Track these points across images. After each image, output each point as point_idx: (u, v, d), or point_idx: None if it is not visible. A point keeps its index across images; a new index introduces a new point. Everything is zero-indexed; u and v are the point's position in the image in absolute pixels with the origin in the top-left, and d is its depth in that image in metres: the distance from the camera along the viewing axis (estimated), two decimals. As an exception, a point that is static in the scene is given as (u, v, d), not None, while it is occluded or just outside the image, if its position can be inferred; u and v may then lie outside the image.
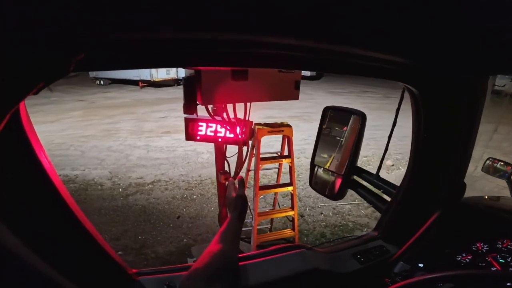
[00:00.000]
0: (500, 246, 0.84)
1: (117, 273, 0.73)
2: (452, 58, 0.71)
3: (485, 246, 0.86)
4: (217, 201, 2.84)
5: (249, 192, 2.35)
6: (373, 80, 13.98)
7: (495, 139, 5.24)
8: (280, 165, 2.97)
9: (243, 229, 0.84)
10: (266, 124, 2.53)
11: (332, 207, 3.81)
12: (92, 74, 13.97)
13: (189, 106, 1.58)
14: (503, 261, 0.80)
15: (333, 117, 1.12)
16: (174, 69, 12.98)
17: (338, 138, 1.08)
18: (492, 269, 0.78)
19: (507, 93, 9.64)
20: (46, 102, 9.78)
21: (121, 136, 6.70)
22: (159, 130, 7.08)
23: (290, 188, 2.73)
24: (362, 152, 1.05)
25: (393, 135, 1.03)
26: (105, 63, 0.47)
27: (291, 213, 2.82)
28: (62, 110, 9.00)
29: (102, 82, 14.14)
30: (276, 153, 2.86)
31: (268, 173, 4.36)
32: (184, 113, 1.65)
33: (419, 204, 0.99)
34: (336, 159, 1.09)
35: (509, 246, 0.84)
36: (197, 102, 1.59)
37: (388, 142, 1.04)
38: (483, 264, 0.80)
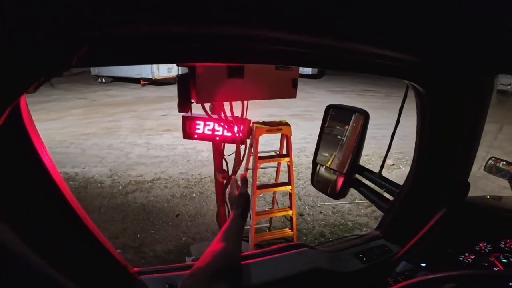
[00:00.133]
0: (503, 246, 0.83)
1: (119, 272, 0.72)
2: (458, 57, 0.70)
3: (488, 245, 0.85)
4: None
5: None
6: (374, 79, 13.97)
7: (500, 139, 5.23)
8: (279, 164, 2.96)
9: None
10: (264, 123, 2.52)
11: (331, 206, 3.80)
12: (94, 72, 13.92)
13: (184, 104, 1.55)
14: (505, 261, 0.79)
15: (335, 116, 1.10)
16: (175, 67, 12.87)
17: (340, 136, 1.07)
18: (494, 269, 0.77)
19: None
20: (48, 100, 9.79)
21: (122, 134, 6.70)
22: (160, 128, 7.07)
23: (288, 188, 2.72)
24: (363, 151, 1.04)
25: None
26: (101, 58, 0.46)
27: (290, 212, 2.81)
28: (63, 108, 9.00)
29: (104, 80, 14.05)
30: (275, 152, 2.85)
31: (268, 172, 4.36)
32: (179, 111, 1.62)
33: (422, 203, 0.98)
34: (338, 157, 1.08)
35: None
36: (192, 100, 1.56)
37: (391, 141, 1.03)
38: (486, 264, 0.80)
